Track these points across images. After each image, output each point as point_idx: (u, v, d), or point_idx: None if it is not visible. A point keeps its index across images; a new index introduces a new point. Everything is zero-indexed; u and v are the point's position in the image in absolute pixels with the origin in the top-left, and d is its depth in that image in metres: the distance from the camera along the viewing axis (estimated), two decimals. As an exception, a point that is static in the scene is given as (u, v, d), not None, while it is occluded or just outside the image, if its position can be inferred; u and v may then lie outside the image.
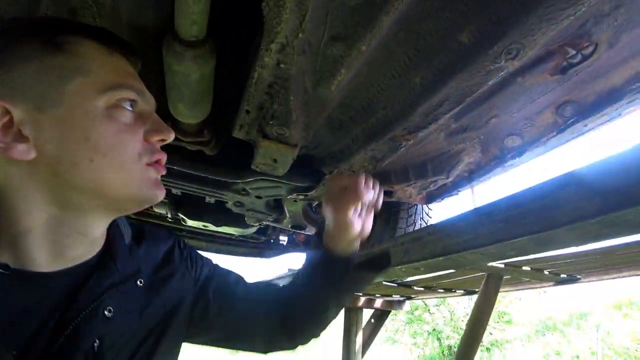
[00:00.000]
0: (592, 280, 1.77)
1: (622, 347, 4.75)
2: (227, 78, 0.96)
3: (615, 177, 0.69)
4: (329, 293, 0.80)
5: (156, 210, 2.40)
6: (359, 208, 0.76)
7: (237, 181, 1.43)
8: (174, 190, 1.98)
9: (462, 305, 10.67)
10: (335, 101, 0.97)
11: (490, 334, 10.54)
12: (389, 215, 1.67)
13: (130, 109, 0.49)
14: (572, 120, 1.07)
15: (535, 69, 0.86)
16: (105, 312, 0.47)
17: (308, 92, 0.91)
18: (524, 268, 1.33)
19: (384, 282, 1.73)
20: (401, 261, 1.23)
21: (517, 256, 0.91)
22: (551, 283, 1.79)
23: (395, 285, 1.75)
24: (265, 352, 0.82)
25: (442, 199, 1.51)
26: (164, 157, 0.53)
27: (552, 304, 11.28)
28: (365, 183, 0.76)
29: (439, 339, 11.15)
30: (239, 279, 0.79)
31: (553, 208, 0.77)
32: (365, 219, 0.80)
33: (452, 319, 10.74)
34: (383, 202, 0.86)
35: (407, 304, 2.77)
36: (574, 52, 0.83)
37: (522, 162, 1.24)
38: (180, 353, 0.64)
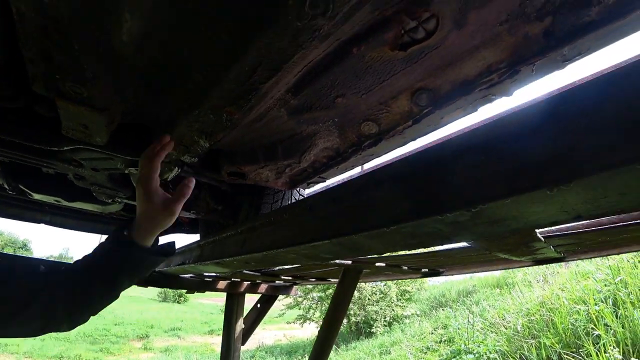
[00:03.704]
0: (454, 274, 1.83)
1: (490, 322, 5.46)
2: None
3: (422, 175, 0.59)
4: (124, 281, 0.86)
5: (-10, 180, 1.93)
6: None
7: (53, 149, 1.17)
8: (-1, 157, 1.59)
9: (370, 285, 11.38)
10: (141, 58, 0.78)
11: (393, 310, 11.49)
12: (252, 199, 1.49)
13: None
14: (427, 110, 0.98)
15: (372, 40, 0.72)
16: None
17: (97, 41, 0.71)
18: (378, 264, 1.27)
19: (245, 271, 1.57)
20: (239, 252, 1.07)
21: (336, 258, 0.79)
22: (418, 275, 1.81)
23: (259, 274, 1.61)
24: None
25: (308, 185, 1.37)
26: None
27: (447, 284, 12.69)
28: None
29: (347, 317, 11.81)
30: None
31: (365, 207, 0.65)
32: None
33: (360, 298, 11.41)
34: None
35: (294, 289, 2.69)
36: (413, 23, 0.70)
37: (381, 153, 1.14)
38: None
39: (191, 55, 0.76)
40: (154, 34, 0.73)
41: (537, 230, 0.69)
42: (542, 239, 0.75)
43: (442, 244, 0.59)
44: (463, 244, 0.95)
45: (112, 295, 0.85)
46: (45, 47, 0.71)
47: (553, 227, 0.84)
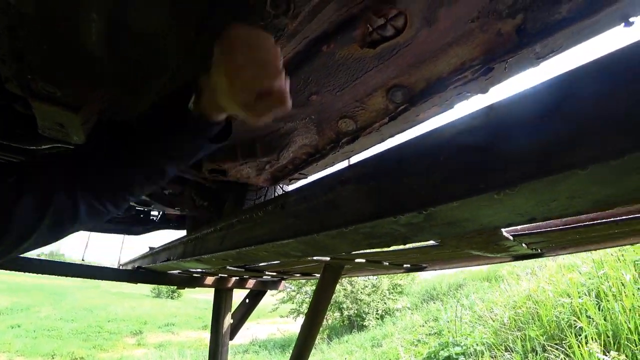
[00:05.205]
0: (437, 269, 1.85)
1: (478, 314, 5.54)
2: None
3: (382, 176, 0.59)
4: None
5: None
6: None
7: (31, 147, 1.17)
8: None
9: (362, 279, 11.47)
10: (113, 57, 0.79)
11: (385, 303, 11.59)
12: (237, 195, 1.49)
13: None
14: (403, 107, 0.98)
15: (341, 38, 0.72)
16: None
17: (66, 41, 0.72)
18: (358, 260, 1.27)
19: (230, 267, 1.56)
20: (218, 249, 1.07)
21: (307, 256, 0.80)
22: (401, 270, 1.83)
23: (244, 269, 1.61)
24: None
25: (290, 182, 1.37)
26: None
27: (438, 277, 12.83)
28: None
29: (340, 310, 11.91)
30: None
31: (331, 206, 0.65)
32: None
33: (352, 292, 11.49)
34: None
35: (282, 284, 2.70)
36: (381, 21, 0.69)
37: (360, 150, 1.15)
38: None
39: (161, 56, 0.75)
40: (124, 33, 0.72)
41: (503, 230, 0.69)
42: (511, 237, 0.75)
43: (404, 244, 0.59)
44: (433, 241, 0.96)
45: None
46: (16, 47, 0.72)
47: (520, 227, 0.85)
